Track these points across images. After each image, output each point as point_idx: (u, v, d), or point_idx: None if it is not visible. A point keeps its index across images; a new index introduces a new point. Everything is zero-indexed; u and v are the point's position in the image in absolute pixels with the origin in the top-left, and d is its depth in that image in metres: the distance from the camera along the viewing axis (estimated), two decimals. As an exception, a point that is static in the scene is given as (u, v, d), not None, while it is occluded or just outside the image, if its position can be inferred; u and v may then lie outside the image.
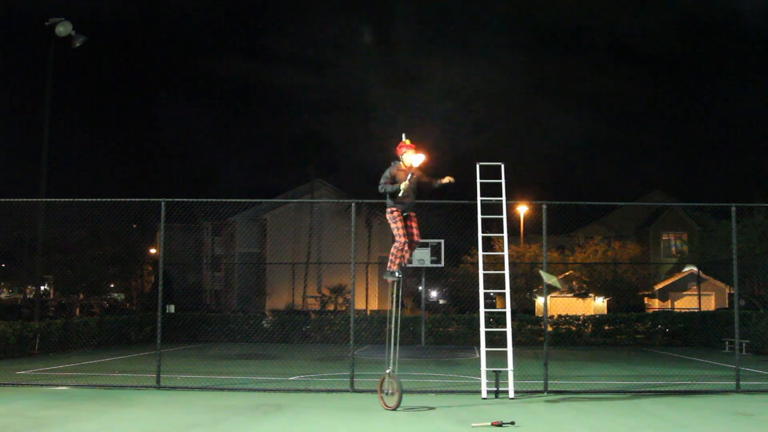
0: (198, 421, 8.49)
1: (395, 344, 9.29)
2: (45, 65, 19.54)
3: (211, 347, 21.64)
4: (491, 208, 11.11)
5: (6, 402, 9.78)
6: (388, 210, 9.55)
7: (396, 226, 9.47)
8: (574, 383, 12.18)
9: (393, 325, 9.38)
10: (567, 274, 34.13)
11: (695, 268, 28.62)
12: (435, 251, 21.25)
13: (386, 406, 9.12)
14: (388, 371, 9.27)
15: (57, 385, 11.60)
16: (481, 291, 10.72)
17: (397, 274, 9.55)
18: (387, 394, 9.20)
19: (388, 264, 9.59)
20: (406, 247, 9.55)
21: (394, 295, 9.55)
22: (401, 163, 9.58)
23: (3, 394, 10.60)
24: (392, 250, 9.57)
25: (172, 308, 24.71)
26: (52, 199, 14.56)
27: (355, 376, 11.17)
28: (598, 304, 34.92)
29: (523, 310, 29.88)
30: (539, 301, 33.62)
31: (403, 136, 9.69)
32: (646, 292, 34.88)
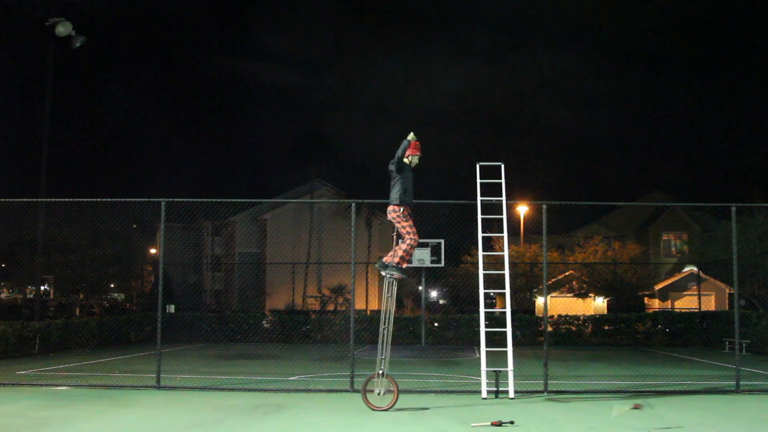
0: (198, 421, 8.49)
1: (388, 344, 9.21)
2: (45, 65, 19.56)
3: (211, 347, 21.65)
4: (491, 208, 11.11)
5: (6, 402, 9.78)
6: (396, 209, 9.13)
7: (408, 224, 9.13)
8: (574, 383, 12.18)
9: (386, 325, 9.24)
10: (567, 273, 34.13)
11: (695, 268, 28.61)
12: (435, 251, 21.23)
13: (373, 406, 9.02)
14: (380, 371, 9.18)
15: (57, 385, 11.61)
16: (481, 291, 10.71)
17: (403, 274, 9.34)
18: (377, 394, 9.13)
19: (399, 261, 9.16)
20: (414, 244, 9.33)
21: (391, 294, 9.37)
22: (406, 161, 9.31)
23: (3, 394, 10.61)
24: (405, 247, 9.16)
25: (172, 308, 24.73)
26: (52, 199, 14.57)
27: (355, 376, 11.16)
28: (598, 304, 34.91)
29: (523, 310, 29.86)
30: (539, 301, 33.62)
31: (412, 135, 9.31)
32: (646, 292, 34.86)
